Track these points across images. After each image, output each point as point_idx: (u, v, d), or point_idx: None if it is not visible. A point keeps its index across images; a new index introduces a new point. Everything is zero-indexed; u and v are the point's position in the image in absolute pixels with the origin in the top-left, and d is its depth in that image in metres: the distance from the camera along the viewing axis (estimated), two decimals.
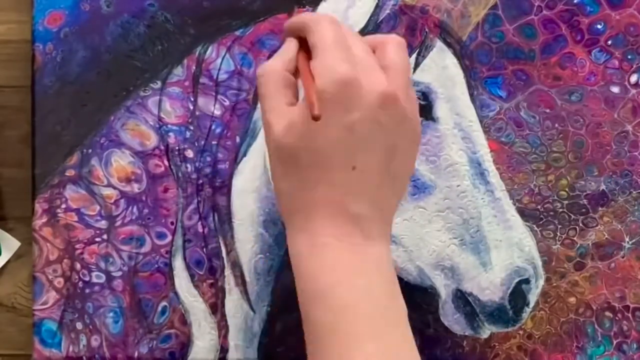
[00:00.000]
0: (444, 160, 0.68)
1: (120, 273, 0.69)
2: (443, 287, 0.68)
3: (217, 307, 0.69)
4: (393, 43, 0.54)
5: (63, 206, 0.69)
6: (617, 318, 0.69)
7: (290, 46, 0.55)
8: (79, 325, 0.69)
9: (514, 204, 0.68)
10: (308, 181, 0.51)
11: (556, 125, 0.68)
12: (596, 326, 0.69)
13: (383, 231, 0.53)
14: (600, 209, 0.69)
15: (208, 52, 0.68)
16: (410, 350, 0.51)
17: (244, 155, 0.69)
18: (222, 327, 0.69)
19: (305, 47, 0.54)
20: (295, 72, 0.54)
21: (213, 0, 0.68)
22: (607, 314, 0.69)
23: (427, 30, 0.68)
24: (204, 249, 0.69)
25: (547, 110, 0.68)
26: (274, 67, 0.54)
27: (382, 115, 0.51)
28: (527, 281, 0.68)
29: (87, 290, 0.69)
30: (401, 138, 0.52)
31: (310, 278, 0.51)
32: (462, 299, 0.68)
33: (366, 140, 0.51)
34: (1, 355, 0.72)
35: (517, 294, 0.68)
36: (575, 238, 0.69)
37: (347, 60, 0.51)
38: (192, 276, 0.69)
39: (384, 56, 0.53)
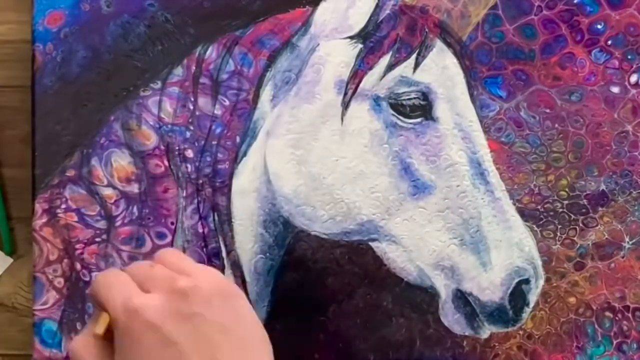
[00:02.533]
0: (444, 160, 0.68)
1: None
2: (443, 287, 0.68)
3: None
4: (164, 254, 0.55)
5: (63, 206, 0.69)
6: (617, 318, 0.69)
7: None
8: (79, 325, 0.69)
9: (514, 204, 0.68)
10: None
11: (556, 125, 0.68)
12: (596, 326, 0.69)
13: None
14: (600, 209, 0.69)
15: (208, 52, 0.68)
16: None
17: (244, 155, 0.69)
18: None
19: None
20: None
21: (213, 0, 0.68)
22: (607, 314, 0.69)
23: (427, 30, 0.68)
24: (204, 249, 0.69)
25: (547, 110, 0.68)
26: (80, 337, 0.54)
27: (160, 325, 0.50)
28: (527, 281, 0.68)
29: (87, 291, 0.69)
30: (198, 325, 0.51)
31: None
32: (462, 299, 0.68)
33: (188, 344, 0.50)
34: (1, 355, 0.72)
35: (517, 294, 0.68)
36: (575, 238, 0.69)
37: (131, 293, 0.51)
38: None
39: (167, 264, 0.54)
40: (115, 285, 0.52)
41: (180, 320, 0.50)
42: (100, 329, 0.52)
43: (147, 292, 0.51)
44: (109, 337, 0.52)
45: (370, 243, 0.68)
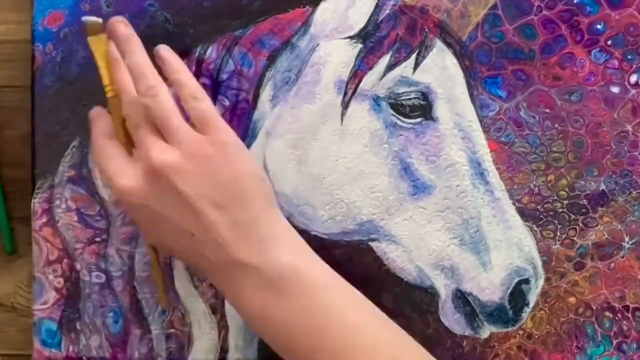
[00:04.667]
0: (443, 160, 0.68)
1: (120, 273, 0.69)
2: (443, 287, 0.68)
3: (217, 307, 0.69)
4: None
5: (63, 206, 0.69)
6: (617, 318, 0.69)
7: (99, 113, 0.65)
8: (79, 325, 0.69)
9: (514, 204, 0.68)
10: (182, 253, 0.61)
11: (556, 125, 0.68)
12: (596, 326, 0.69)
13: (267, 244, 0.58)
14: (600, 209, 0.69)
15: (208, 52, 0.68)
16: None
17: None
18: (222, 327, 0.69)
19: None
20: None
21: (213, 0, 0.68)
22: (607, 314, 0.69)
23: (427, 30, 0.68)
24: None
25: (547, 110, 0.68)
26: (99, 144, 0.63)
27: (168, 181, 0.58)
28: (527, 281, 0.68)
29: (87, 290, 0.69)
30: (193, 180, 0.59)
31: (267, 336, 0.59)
32: (462, 299, 0.68)
33: (174, 211, 0.58)
34: (1, 355, 0.72)
35: (517, 294, 0.68)
36: (575, 238, 0.69)
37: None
38: (192, 276, 0.69)
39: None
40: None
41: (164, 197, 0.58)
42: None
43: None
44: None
45: (370, 243, 0.69)
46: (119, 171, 0.59)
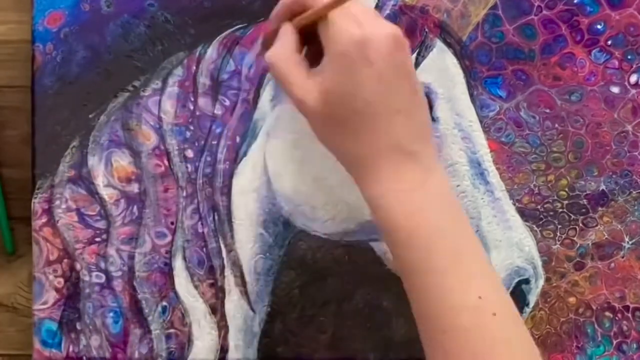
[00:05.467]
0: (443, 160, 0.68)
1: (120, 273, 0.69)
2: None
3: (217, 307, 0.69)
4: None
5: (63, 206, 0.69)
6: (617, 318, 0.69)
7: (287, 29, 0.59)
8: (79, 325, 0.69)
9: (514, 204, 0.68)
10: (360, 135, 0.56)
11: (556, 125, 0.68)
12: (596, 326, 0.69)
13: (436, 158, 0.57)
14: (600, 209, 0.69)
15: (208, 52, 0.68)
16: (487, 271, 0.56)
17: (244, 155, 0.69)
18: (222, 327, 0.69)
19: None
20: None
21: (213, 0, 0.68)
22: (607, 314, 0.69)
23: (427, 30, 0.68)
24: (204, 249, 0.69)
25: (547, 110, 0.68)
26: (279, 50, 0.58)
27: (398, 56, 0.55)
28: (527, 281, 0.68)
29: (87, 290, 0.69)
30: (412, 69, 0.57)
31: (389, 226, 0.56)
32: None
33: (396, 83, 0.55)
34: (1, 355, 0.72)
35: (517, 294, 0.68)
36: (575, 238, 0.69)
37: (354, 21, 0.56)
38: (192, 276, 0.69)
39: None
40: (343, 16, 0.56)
41: (393, 66, 0.55)
42: (298, 25, 0.58)
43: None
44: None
45: (370, 243, 0.68)
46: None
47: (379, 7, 0.68)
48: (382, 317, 0.69)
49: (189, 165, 0.69)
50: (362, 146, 0.56)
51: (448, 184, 0.58)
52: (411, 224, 0.55)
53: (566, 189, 0.69)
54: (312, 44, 0.60)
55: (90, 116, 0.69)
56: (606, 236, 0.69)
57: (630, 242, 0.69)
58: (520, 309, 0.68)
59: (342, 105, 0.56)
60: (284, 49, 0.58)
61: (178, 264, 0.69)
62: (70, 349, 0.69)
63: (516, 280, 0.68)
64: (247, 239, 0.69)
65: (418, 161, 0.56)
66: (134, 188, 0.69)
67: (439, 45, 0.68)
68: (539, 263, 0.68)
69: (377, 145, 0.56)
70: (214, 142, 0.69)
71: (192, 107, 0.69)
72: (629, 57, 0.68)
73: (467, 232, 0.57)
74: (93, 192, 0.69)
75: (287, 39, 0.59)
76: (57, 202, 0.69)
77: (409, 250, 0.55)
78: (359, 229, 0.68)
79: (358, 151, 0.57)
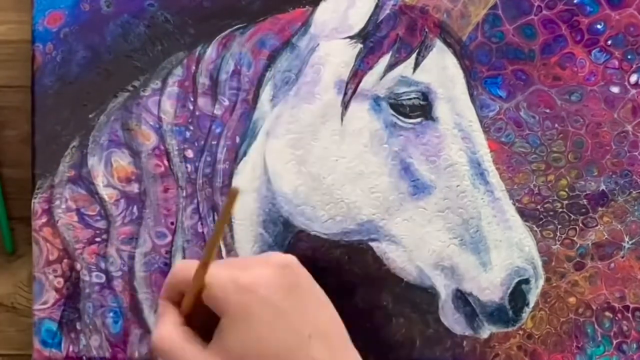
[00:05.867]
0: (443, 160, 0.68)
1: (120, 273, 0.69)
2: (443, 287, 0.68)
3: None
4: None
5: (63, 206, 0.69)
6: (617, 318, 0.69)
7: (164, 305, 0.55)
8: (79, 325, 0.69)
9: (514, 204, 0.68)
10: None
11: (556, 125, 0.68)
12: (596, 326, 0.69)
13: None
14: (600, 209, 0.69)
15: (208, 52, 0.68)
16: None
17: (244, 155, 0.69)
18: None
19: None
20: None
21: (213, 0, 0.68)
22: (607, 314, 0.69)
23: (427, 30, 0.68)
24: (204, 249, 0.69)
25: (547, 110, 0.68)
26: (162, 330, 0.53)
27: (289, 280, 0.53)
28: (527, 281, 0.68)
29: (87, 290, 0.69)
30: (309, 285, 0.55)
31: None
32: (462, 299, 0.68)
33: (296, 311, 0.53)
34: (1, 355, 0.72)
35: (517, 294, 0.68)
36: (575, 238, 0.69)
37: (230, 275, 0.52)
38: None
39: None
40: (217, 268, 0.53)
41: (287, 291, 0.52)
42: (187, 309, 0.52)
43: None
44: (187, 322, 0.53)
45: (370, 243, 0.69)
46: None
47: (379, 7, 0.68)
48: (382, 317, 0.69)
49: (188, 165, 0.69)
50: None
51: None
52: None
53: (566, 189, 0.69)
54: (210, 318, 0.53)
55: (90, 116, 0.69)
56: (606, 236, 0.69)
57: (630, 242, 0.69)
58: (520, 309, 0.68)
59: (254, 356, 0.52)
60: (167, 326, 0.53)
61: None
62: (70, 348, 0.69)
63: (516, 280, 0.68)
64: (247, 239, 0.69)
65: None
66: (134, 188, 0.69)
67: (439, 45, 0.68)
68: (539, 263, 0.68)
69: None
70: (214, 142, 0.69)
71: (191, 107, 0.69)
72: (629, 57, 0.68)
73: None
74: (93, 192, 0.69)
75: (168, 315, 0.54)
76: (57, 202, 0.69)
77: None
78: (359, 229, 0.68)
79: None
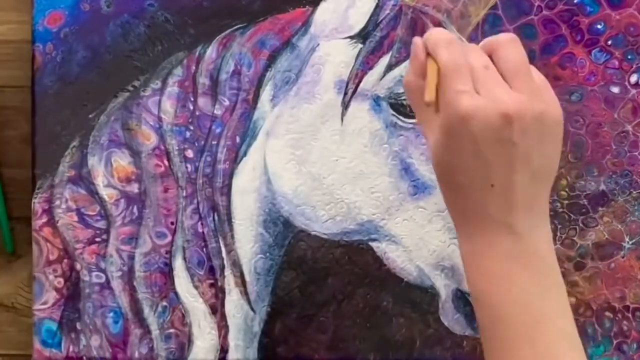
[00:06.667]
0: None
1: (120, 273, 0.69)
2: (443, 287, 0.68)
3: (217, 308, 0.69)
4: (506, 43, 0.55)
5: (63, 206, 0.69)
6: (617, 318, 0.69)
7: (417, 49, 0.56)
8: (79, 325, 0.69)
9: None
10: (458, 196, 0.55)
11: None
12: (596, 326, 0.69)
13: (535, 222, 0.55)
14: (600, 209, 0.69)
15: (208, 52, 0.68)
16: (568, 350, 0.53)
17: (244, 155, 0.69)
18: (222, 327, 0.69)
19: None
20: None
21: (213, 0, 0.68)
22: (607, 314, 0.69)
23: (427, 30, 0.68)
24: (204, 249, 0.69)
25: None
26: (409, 79, 0.56)
27: (505, 132, 0.52)
28: None
29: (87, 290, 0.69)
30: (533, 141, 0.54)
31: (470, 283, 0.55)
32: (462, 299, 0.68)
33: (493, 160, 0.53)
34: (1, 355, 0.72)
35: None
36: (575, 238, 0.69)
37: (465, 91, 0.53)
38: (192, 276, 0.69)
39: (501, 61, 0.55)
40: (459, 72, 0.53)
41: (496, 143, 0.52)
42: (431, 95, 0.53)
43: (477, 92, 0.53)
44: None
45: (370, 243, 0.68)
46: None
47: (379, 7, 0.68)
48: (382, 317, 0.69)
49: (189, 165, 0.69)
50: (459, 206, 0.55)
51: (545, 254, 0.55)
52: (488, 289, 0.54)
53: (566, 189, 0.69)
54: None
55: (90, 116, 0.69)
56: (606, 236, 0.69)
57: (630, 242, 0.69)
58: None
59: (444, 165, 0.54)
60: (410, 79, 0.56)
61: (178, 264, 0.69)
62: (70, 349, 0.69)
63: None
64: (247, 239, 0.69)
65: (511, 232, 0.54)
66: (134, 188, 0.69)
67: None
68: None
69: (470, 213, 0.55)
70: (214, 142, 0.69)
71: (191, 107, 0.69)
72: (629, 57, 0.68)
73: (556, 304, 0.55)
74: (93, 192, 0.69)
75: (415, 64, 0.56)
76: (57, 202, 0.69)
77: (486, 315, 0.54)
78: (358, 229, 0.68)
79: (457, 207, 0.56)
